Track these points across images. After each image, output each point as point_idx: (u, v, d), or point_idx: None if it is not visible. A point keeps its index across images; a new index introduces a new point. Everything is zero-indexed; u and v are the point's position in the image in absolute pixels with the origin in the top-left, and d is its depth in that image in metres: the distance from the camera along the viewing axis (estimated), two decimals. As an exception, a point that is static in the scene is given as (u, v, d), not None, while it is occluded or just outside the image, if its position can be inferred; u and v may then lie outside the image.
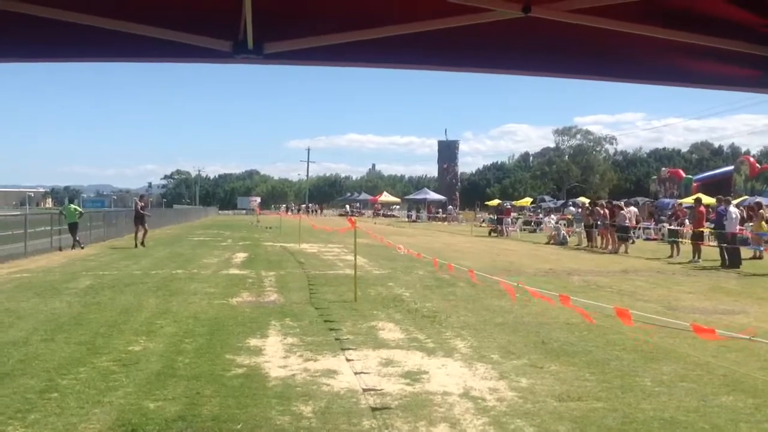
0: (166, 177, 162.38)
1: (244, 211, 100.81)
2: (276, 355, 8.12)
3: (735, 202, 26.12)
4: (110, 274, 16.56)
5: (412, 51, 2.71)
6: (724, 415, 5.91)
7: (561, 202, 66.31)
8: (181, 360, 7.85)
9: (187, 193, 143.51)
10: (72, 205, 25.91)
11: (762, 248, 21.89)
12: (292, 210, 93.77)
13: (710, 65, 2.80)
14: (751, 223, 24.75)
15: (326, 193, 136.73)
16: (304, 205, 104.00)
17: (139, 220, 27.08)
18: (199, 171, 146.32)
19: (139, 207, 27.81)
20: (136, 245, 26.00)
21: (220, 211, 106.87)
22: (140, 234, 26.72)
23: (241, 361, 7.85)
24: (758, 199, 30.28)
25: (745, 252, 21.60)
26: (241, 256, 22.88)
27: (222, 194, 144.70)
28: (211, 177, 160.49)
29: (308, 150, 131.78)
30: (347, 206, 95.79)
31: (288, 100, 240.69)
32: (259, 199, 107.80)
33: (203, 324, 10.11)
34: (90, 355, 8.02)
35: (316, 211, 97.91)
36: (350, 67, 2.77)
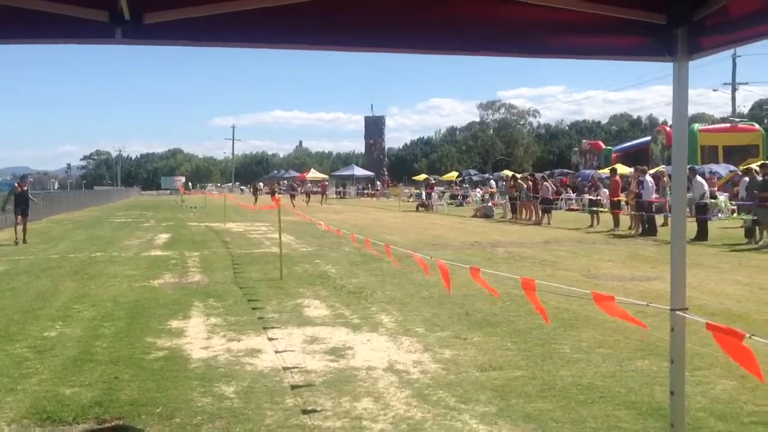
0: (85, 158, 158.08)
1: (168, 191, 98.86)
2: (198, 337, 7.98)
3: (651, 171, 26.85)
4: (26, 259, 15.97)
5: (318, 27, 2.62)
6: (639, 379, 6.09)
7: (486, 175, 67.24)
8: (99, 344, 7.63)
9: (108, 174, 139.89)
10: (-16, 189, 24.80)
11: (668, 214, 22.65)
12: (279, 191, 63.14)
13: (597, 35, 2.82)
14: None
15: (253, 171, 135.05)
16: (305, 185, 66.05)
17: (21, 208, 20.95)
18: (120, 151, 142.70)
19: (24, 190, 21.44)
20: (16, 241, 20.37)
21: (143, 192, 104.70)
22: (20, 227, 20.79)
23: (161, 343, 7.67)
24: (662, 167, 31.25)
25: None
26: (163, 237, 22.39)
27: (145, 174, 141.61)
28: (133, 157, 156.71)
29: (233, 127, 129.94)
30: (275, 184, 73.89)
31: (210, 76, 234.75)
32: (183, 179, 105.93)
33: (123, 307, 9.85)
34: (3, 342, 7.71)
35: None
36: (250, 48, 2.65)
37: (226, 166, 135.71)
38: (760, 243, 17.41)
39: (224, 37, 2.50)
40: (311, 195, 55.38)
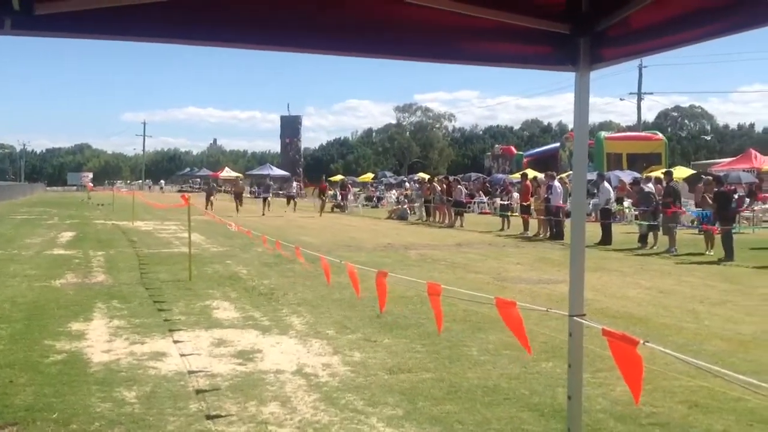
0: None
1: (74, 188, 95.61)
2: (100, 339, 7.70)
3: (562, 176, 27.60)
4: None
5: (225, 22, 2.54)
6: (543, 381, 6.22)
7: (402, 177, 67.82)
8: (-7, 348, 7.28)
9: (12, 169, 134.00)
10: None
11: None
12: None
13: (505, 43, 2.86)
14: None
15: (165, 168, 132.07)
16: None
17: None
18: (24, 145, 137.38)
19: None
20: None
21: (48, 188, 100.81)
22: None
23: (60, 346, 7.38)
24: (569, 173, 32.22)
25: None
26: (67, 236, 21.60)
27: (50, 170, 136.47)
28: (38, 151, 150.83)
29: (144, 123, 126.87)
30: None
31: (120, 70, 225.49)
32: (91, 175, 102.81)
33: (21, 308, 9.44)
34: None
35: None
36: (151, 43, 2.55)
37: (137, 162, 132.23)
38: (654, 248, 18.14)
39: (122, 31, 2.40)
40: (295, 200, 40.84)
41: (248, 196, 52.69)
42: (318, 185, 40.17)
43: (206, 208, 32.39)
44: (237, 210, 35.60)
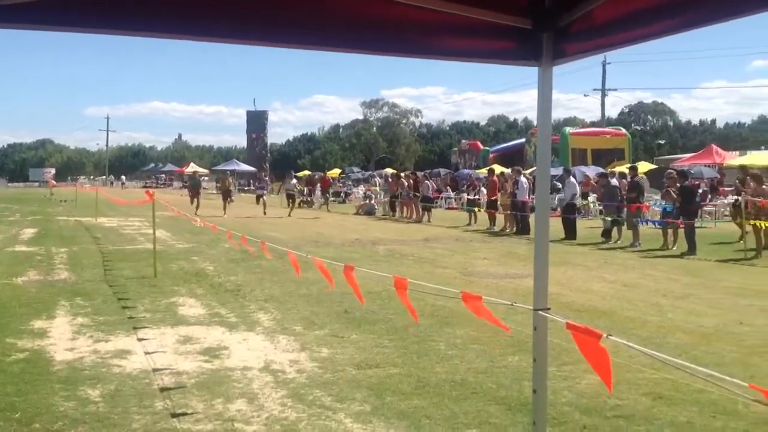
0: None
1: (37, 184, 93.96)
2: (63, 337, 7.59)
3: (526, 172, 27.80)
4: None
5: (187, 13, 2.51)
6: (510, 375, 6.26)
7: (369, 173, 67.78)
8: (-48, 348, 7.12)
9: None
10: None
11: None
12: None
13: (469, 38, 2.86)
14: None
15: (129, 164, 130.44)
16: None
17: None
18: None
19: None
20: None
21: (9, 184, 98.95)
22: None
23: (23, 345, 7.26)
24: (534, 168, 32.52)
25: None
26: (29, 232, 21.22)
27: (12, 165, 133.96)
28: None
29: (107, 118, 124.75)
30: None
31: (83, 64, 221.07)
32: (53, 171, 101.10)
33: (-19, 307, 9.25)
34: None
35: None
36: (119, 36, 2.50)
37: (100, 158, 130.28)
38: (618, 242, 18.38)
39: (83, 23, 2.36)
40: (294, 198, 33.25)
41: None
42: (320, 180, 37.39)
43: (195, 212, 27.11)
44: (224, 209, 30.45)
